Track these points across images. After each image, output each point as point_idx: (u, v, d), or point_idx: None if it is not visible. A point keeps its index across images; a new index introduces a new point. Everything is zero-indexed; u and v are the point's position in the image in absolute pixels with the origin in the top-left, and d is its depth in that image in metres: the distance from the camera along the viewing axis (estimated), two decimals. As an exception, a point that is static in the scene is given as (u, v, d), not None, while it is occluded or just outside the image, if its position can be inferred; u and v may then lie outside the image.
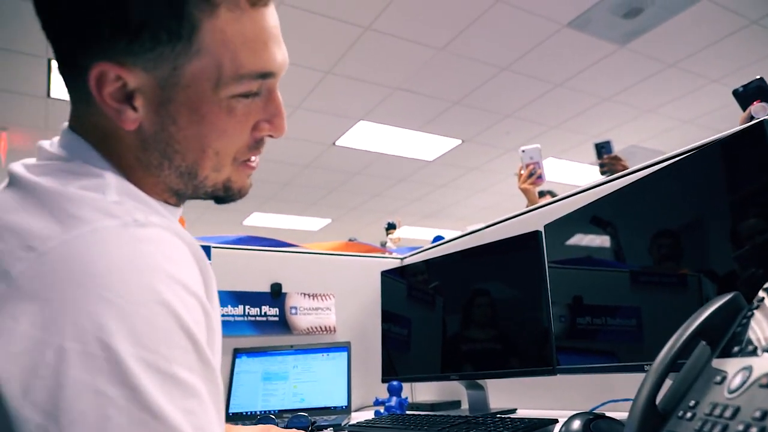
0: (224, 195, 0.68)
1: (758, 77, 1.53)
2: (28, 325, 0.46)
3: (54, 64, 3.93)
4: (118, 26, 0.55)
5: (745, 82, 1.52)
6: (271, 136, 0.67)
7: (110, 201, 0.54)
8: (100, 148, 0.62)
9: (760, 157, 0.79)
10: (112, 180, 0.58)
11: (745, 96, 1.48)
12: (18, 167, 0.58)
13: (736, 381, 0.53)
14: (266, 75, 0.62)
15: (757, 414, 0.46)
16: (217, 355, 0.57)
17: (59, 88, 4.26)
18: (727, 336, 0.62)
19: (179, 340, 0.49)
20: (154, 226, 0.54)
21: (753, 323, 0.58)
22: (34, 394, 0.44)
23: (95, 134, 0.62)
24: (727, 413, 0.50)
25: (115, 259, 0.49)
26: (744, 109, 1.49)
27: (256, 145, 0.67)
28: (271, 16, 0.63)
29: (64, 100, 4.42)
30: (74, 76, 0.61)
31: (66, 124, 0.65)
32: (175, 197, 0.67)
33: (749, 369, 0.53)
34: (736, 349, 0.58)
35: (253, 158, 0.68)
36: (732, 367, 0.56)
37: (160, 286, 0.49)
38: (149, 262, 0.50)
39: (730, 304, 0.64)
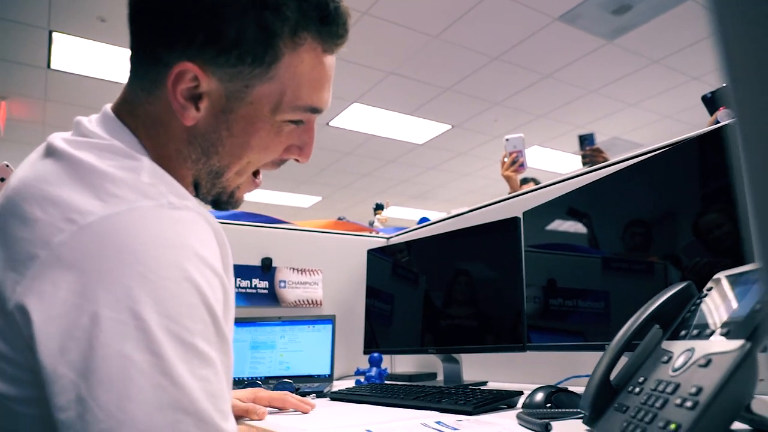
0: (226, 201, 0.74)
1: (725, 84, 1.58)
2: (67, 292, 0.49)
3: (56, 35, 3.85)
4: (213, 38, 0.61)
5: (714, 89, 1.58)
6: (296, 160, 0.75)
7: (145, 182, 0.57)
8: (142, 135, 0.65)
9: (719, 159, 0.86)
10: (147, 164, 0.60)
11: (713, 102, 1.53)
12: (58, 141, 0.60)
13: (680, 361, 0.60)
14: (315, 110, 0.71)
15: (693, 390, 0.53)
16: (230, 326, 0.61)
17: (59, 60, 4.20)
18: (677, 320, 0.68)
19: (201, 314, 0.52)
20: (186, 209, 0.57)
21: (701, 310, 0.65)
22: (69, 354, 0.48)
23: (145, 120, 0.66)
24: (669, 389, 0.57)
25: (149, 237, 0.52)
26: (711, 114, 1.54)
27: (280, 163, 0.75)
28: (333, 62, 0.71)
29: (63, 72, 4.38)
30: (150, 66, 0.64)
31: (108, 106, 0.68)
32: (194, 191, 0.72)
33: (692, 350, 0.59)
34: (683, 332, 0.65)
35: (260, 177, 0.76)
36: (678, 348, 0.62)
37: (187, 264, 0.53)
38: (179, 242, 0.54)
39: (683, 292, 0.71)
